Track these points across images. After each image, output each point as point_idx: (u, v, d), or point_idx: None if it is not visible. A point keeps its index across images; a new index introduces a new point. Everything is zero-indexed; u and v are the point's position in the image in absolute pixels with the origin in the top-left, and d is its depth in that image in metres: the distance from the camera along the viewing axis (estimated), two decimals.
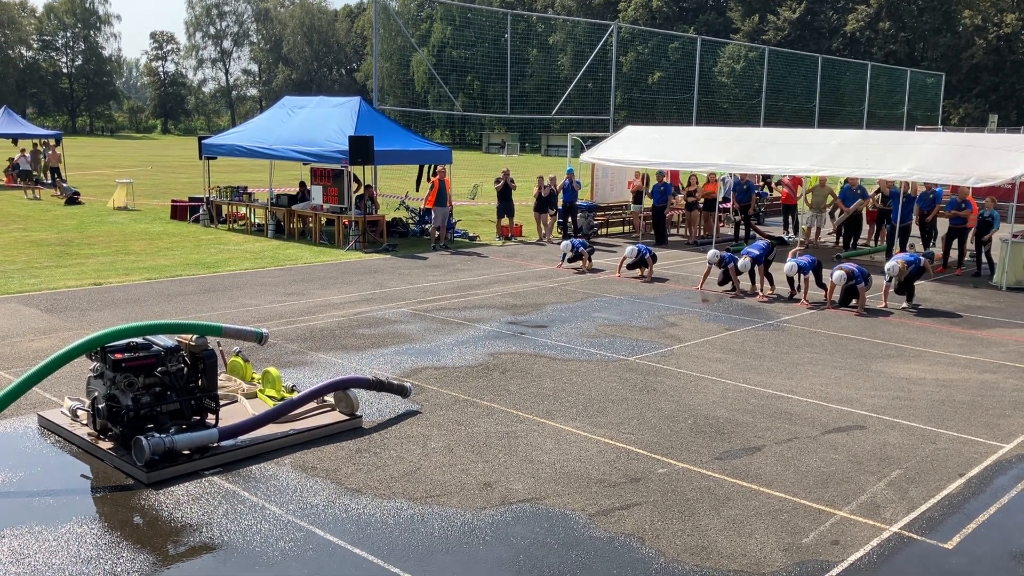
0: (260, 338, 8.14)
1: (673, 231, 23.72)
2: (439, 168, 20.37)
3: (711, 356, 10.89)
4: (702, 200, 21.66)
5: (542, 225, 21.46)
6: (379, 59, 29.56)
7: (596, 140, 25.75)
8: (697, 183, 21.91)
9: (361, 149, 18.53)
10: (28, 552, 5.66)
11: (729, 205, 22.24)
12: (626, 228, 23.92)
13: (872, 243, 20.88)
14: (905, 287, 14.21)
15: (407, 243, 20.54)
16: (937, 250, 19.01)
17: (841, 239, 20.49)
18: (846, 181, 20.06)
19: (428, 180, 22.02)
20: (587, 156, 23.30)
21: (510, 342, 11.32)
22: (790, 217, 22.77)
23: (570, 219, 21.49)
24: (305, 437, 7.69)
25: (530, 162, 60.23)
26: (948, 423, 8.57)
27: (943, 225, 18.69)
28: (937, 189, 19.33)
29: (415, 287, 15.05)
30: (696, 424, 8.37)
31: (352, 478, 6.92)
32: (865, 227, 21.05)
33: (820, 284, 14.57)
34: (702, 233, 22.23)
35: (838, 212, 20.64)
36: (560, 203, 21.52)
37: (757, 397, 9.26)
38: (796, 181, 22.35)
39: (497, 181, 21.31)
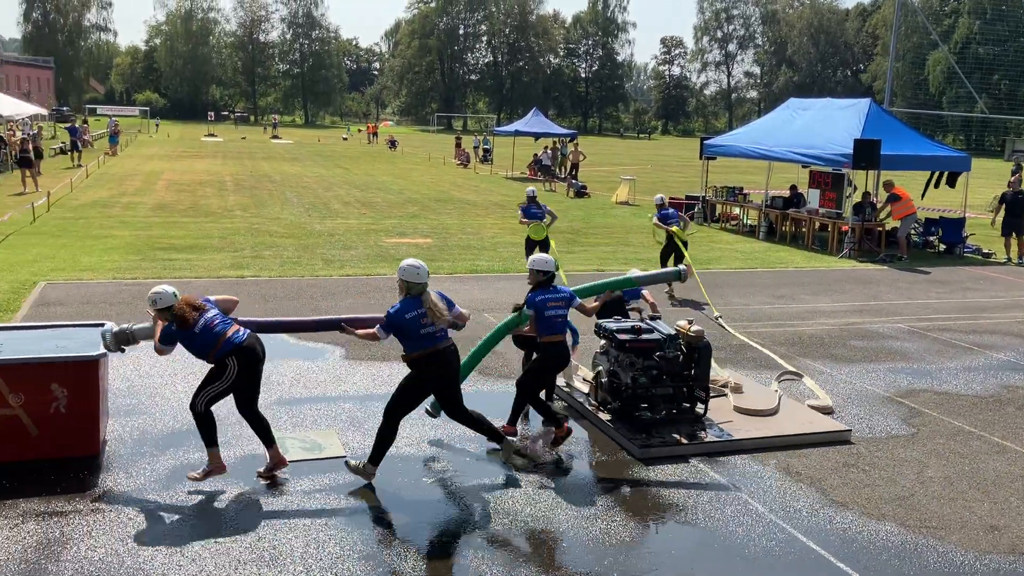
0: (679, 275, 8.45)
1: None
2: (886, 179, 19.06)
3: None
4: None
5: None
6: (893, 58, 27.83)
7: None
8: None
9: (866, 153, 17.65)
10: (541, 496, 6.41)
11: None
12: None
13: None
14: None
15: (910, 255, 19.05)
16: None
17: None
18: None
19: (935, 187, 20.38)
20: None
21: None
22: None
23: None
24: (788, 441, 7.60)
25: None
26: None
27: None
28: None
29: (914, 303, 13.95)
30: None
31: (838, 491, 6.67)
32: None
33: None
34: None
35: None
36: None
37: None
38: None
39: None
